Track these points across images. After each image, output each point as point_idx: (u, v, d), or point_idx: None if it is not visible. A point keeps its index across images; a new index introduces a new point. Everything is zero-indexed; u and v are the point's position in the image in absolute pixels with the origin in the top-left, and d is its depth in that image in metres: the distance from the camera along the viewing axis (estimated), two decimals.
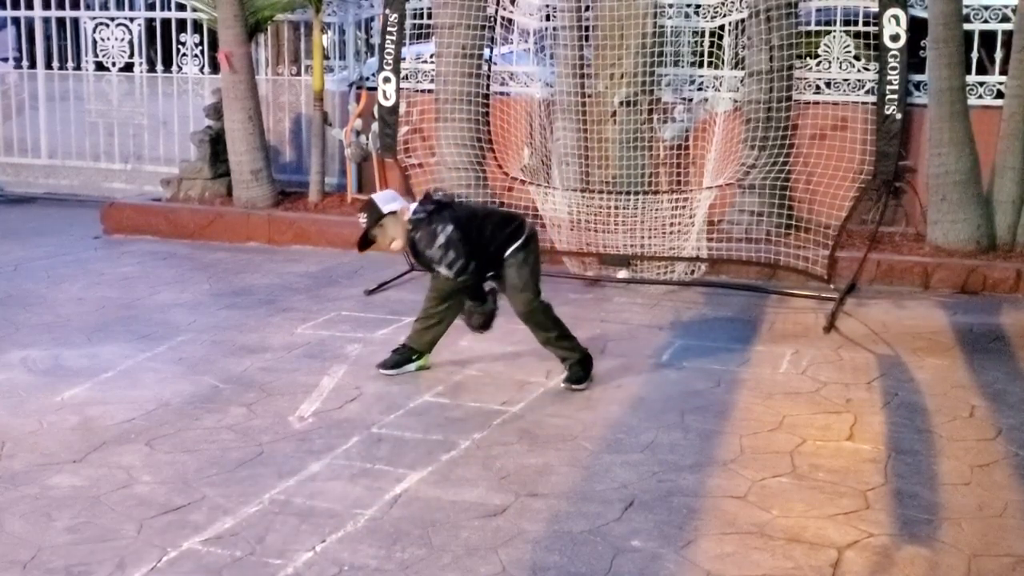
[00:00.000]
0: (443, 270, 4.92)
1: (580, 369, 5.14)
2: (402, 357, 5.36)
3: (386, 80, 7.53)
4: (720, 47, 8.27)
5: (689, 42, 8.46)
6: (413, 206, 5.00)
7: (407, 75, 8.79)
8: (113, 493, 3.90)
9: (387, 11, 7.51)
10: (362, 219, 4.99)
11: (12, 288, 7.04)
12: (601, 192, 7.73)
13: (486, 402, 4.92)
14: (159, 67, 10.70)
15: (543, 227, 7.24)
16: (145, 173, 10.68)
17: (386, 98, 7.54)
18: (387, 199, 5.03)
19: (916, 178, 8.08)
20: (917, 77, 7.95)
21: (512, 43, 8.92)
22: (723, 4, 8.09)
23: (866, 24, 8.01)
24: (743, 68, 7.93)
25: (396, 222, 4.95)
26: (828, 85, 8.23)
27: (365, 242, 5.03)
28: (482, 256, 4.94)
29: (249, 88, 9.01)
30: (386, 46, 7.52)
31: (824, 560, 3.44)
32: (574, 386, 5.10)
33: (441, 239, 4.82)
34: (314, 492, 3.93)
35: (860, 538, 3.60)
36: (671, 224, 7.30)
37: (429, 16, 8.72)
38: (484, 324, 5.14)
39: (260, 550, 3.47)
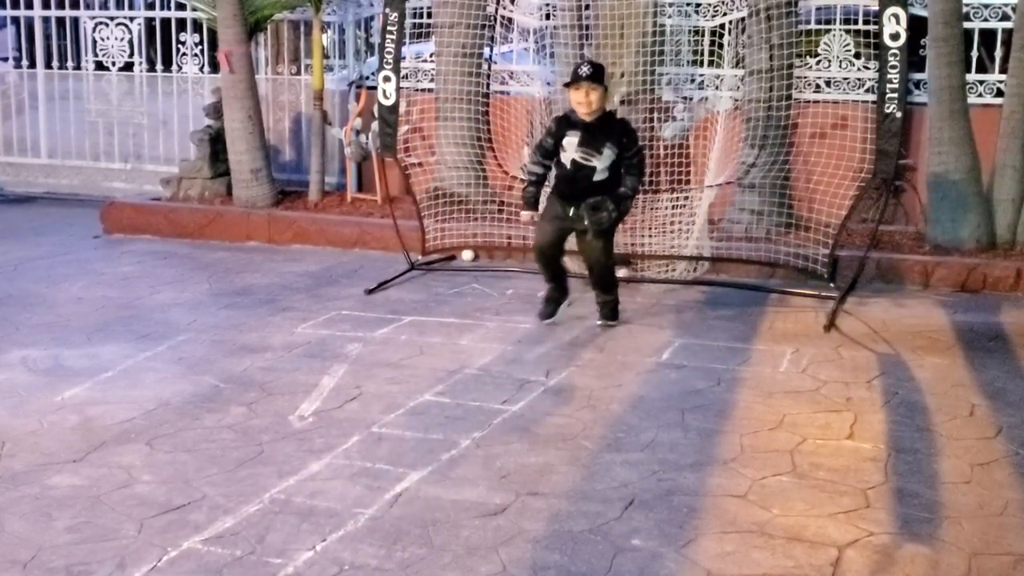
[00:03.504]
0: (637, 158, 5.88)
1: (614, 309, 6.13)
2: (557, 304, 6.11)
3: (386, 79, 7.52)
4: (720, 46, 8.27)
5: (689, 41, 8.46)
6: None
7: (407, 74, 8.79)
8: (113, 493, 3.90)
9: (387, 10, 7.51)
10: (586, 69, 5.76)
11: (12, 288, 7.04)
12: None
13: (486, 401, 4.92)
14: (159, 67, 10.70)
15: None
16: (145, 173, 10.69)
17: (386, 97, 7.54)
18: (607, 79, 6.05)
19: (916, 176, 8.08)
20: (917, 75, 7.95)
21: (512, 42, 8.92)
22: (723, 3, 8.10)
23: (866, 22, 8.02)
24: (743, 67, 7.93)
25: (603, 96, 5.86)
26: (828, 84, 8.23)
27: (585, 78, 5.75)
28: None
29: (249, 87, 9.01)
30: (386, 45, 7.51)
31: (824, 559, 3.44)
32: (610, 322, 6.09)
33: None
34: (314, 491, 3.93)
35: (860, 537, 3.60)
36: (671, 223, 7.30)
37: (429, 15, 8.73)
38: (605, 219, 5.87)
39: (260, 549, 3.47)
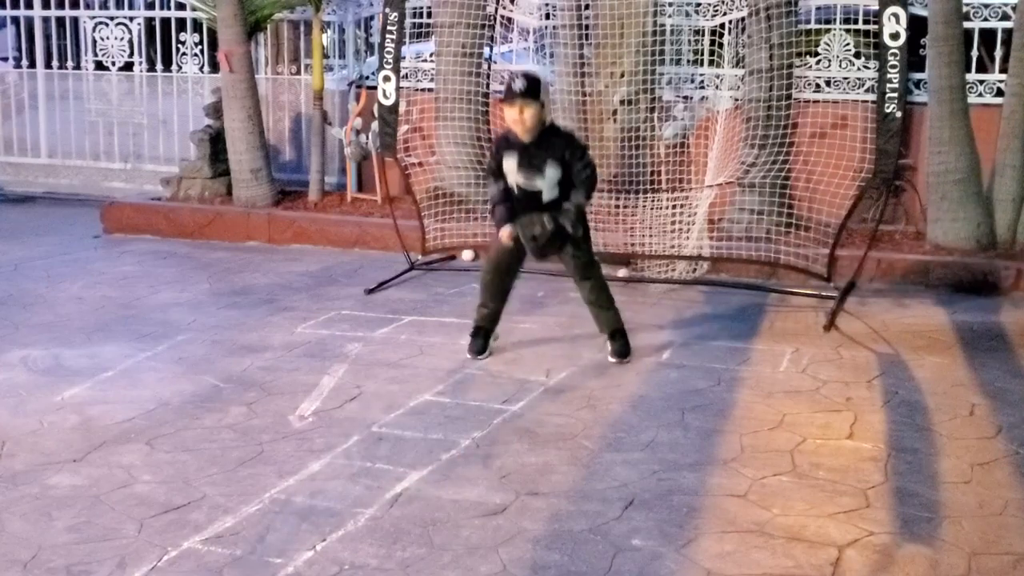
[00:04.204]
0: (586, 172, 5.28)
1: (621, 334, 5.57)
2: (487, 338, 5.61)
3: (386, 79, 7.52)
4: (720, 45, 8.27)
5: (689, 40, 8.46)
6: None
7: (407, 74, 8.79)
8: (113, 492, 3.90)
9: (387, 10, 7.51)
10: (519, 83, 5.16)
11: (12, 288, 7.04)
12: (601, 191, 7.72)
13: (486, 401, 4.92)
14: (159, 66, 10.70)
15: None
16: (145, 172, 10.68)
17: (386, 97, 7.54)
18: (547, 90, 5.35)
19: (916, 176, 8.08)
20: (917, 75, 7.95)
21: (512, 42, 8.92)
22: (723, 2, 8.09)
23: (866, 22, 8.01)
24: (743, 66, 7.93)
25: (540, 112, 5.24)
26: (828, 83, 8.22)
27: (519, 95, 5.17)
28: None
29: (249, 87, 9.01)
30: (386, 45, 7.51)
31: (824, 559, 3.44)
32: (623, 359, 5.51)
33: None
34: (314, 491, 3.93)
35: (860, 536, 3.60)
36: (671, 223, 7.30)
37: (429, 15, 8.72)
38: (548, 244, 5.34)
39: (260, 549, 3.48)
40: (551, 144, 5.26)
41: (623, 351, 5.52)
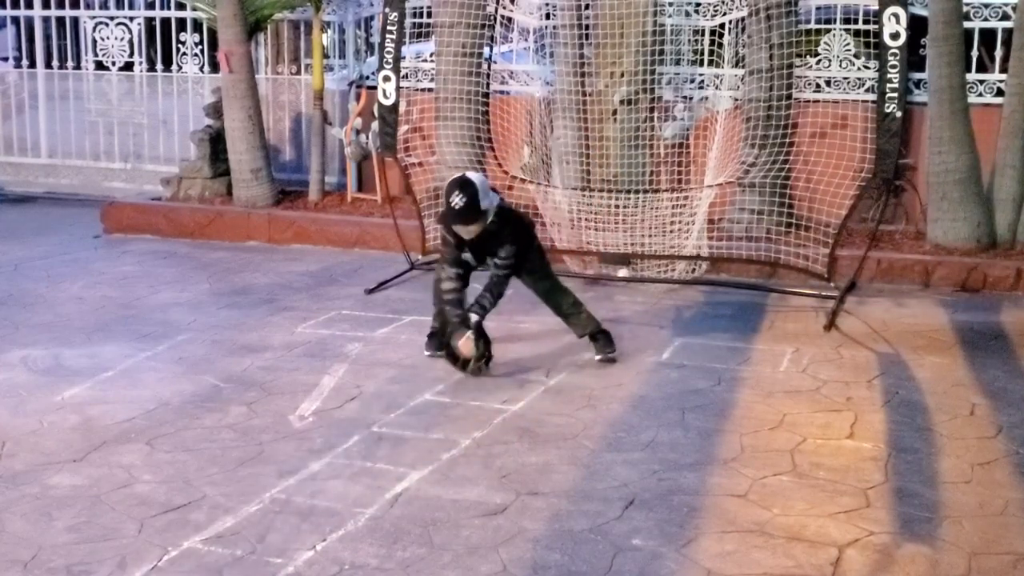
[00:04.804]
0: (501, 262, 5.27)
1: (602, 335, 5.54)
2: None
3: (386, 79, 7.52)
4: (720, 45, 8.27)
5: (689, 40, 8.46)
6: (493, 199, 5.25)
7: (407, 74, 8.79)
8: (114, 492, 3.90)
9: (387, 9, 7.51)
10: (458, 202, 5.06)
11: (12, 288, 7.04)
12: (601, 191, 7.73)
13: (486, 401, 4.92)
14: (159, 66, 10.70)
15: (543, 225, 7.24)
16: (145, 172, 10.68)
17: (386, 97, 7.54)
18: (485, 191, 5.19)
19: (916, 176, 8.08)
20: (917, 75, 7.95)
21: (512, 42, 8.92)
22: (723, 2, 8.09)
23: (866, 22, 8.01)
24: (743, 66, 7.93)
25: (482, 221, 5.18)
26: (828, 83, 8.23)
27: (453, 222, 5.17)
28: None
29: (249, 87, 9.01)
30: (386, 45, 7.51)
31: (825, 558, 3.44)
32: (609, 354, 5.50)
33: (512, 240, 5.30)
34: (315, 491, 3.93)
35: (861, 536, 3.60)
36: (671, 223, 7.30)
37: (429, 15, 8.72)
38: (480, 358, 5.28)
39: (261, 549, 3.48)
40: (493, 243, 5.27)
41: (607, 347, 5.52)
